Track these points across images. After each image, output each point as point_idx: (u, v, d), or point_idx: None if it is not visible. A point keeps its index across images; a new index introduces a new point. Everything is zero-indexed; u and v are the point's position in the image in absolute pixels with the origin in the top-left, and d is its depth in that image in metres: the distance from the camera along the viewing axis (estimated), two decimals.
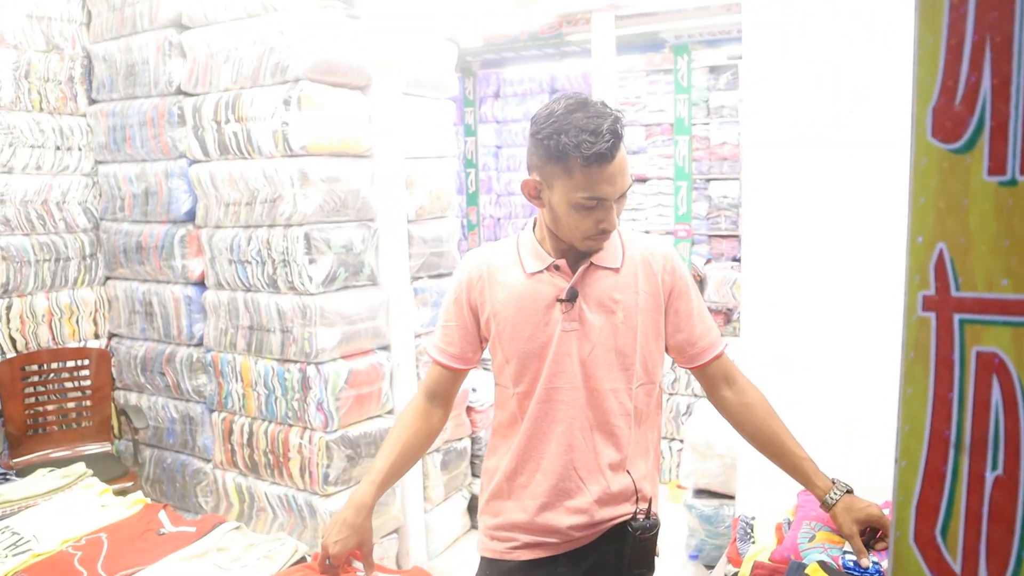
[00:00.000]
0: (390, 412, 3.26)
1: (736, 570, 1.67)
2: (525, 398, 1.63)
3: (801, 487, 1.72)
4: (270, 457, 3.10)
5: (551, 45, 6.51)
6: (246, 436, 3.16)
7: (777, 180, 2.35)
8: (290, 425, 3.06)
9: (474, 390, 3.81)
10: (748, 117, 2.35)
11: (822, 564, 1.46)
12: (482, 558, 1.71)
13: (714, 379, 1.69)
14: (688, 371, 1.77)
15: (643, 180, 7.57)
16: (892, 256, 2.23)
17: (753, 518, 1.82)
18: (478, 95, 7.79)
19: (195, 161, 3.19)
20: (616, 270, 1.60)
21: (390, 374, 3.22)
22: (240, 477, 3.23)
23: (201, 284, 3.29)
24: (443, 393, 1.74)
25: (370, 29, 3.08)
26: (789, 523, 1.68)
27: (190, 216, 3.25)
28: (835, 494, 1.57)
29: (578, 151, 1.44)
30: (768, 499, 2.40)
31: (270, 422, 3.12)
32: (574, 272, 1.59)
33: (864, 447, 2.32)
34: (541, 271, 1.60)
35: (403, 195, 3.27)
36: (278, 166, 2.89)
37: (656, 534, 1.65)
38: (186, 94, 3.19)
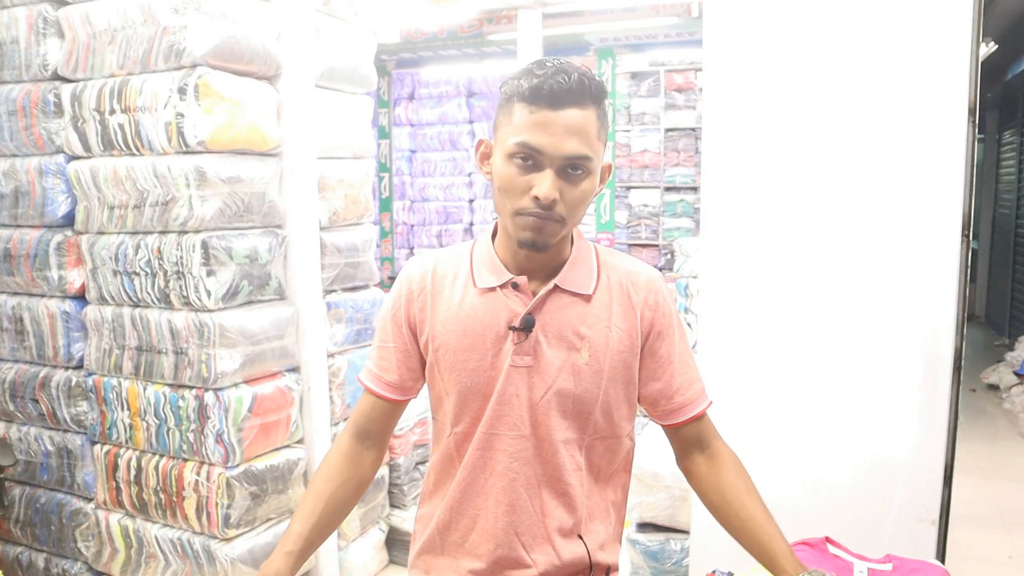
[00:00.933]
0: (299, 442, 2.91)
1: None
2: (464, 440, 1.35)
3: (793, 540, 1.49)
4: (161, 496, 2.72)
5: (471, 45, 6.25)
6: (133, 472, 2.76)
7: (743, 170, 2.19)
8: (185, 459, 2.68)
9: None
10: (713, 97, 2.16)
11: None
12: None
13: (686, 441, 1.41)
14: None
15: None
16: (869, 252, 2.11)
17: (730, 574, 1.58)
18: (392, 96, 7.46)
19: (74, 157, 2.77)
20: (587, 298, 1.33)
21: (300, 399, 2.87)
22: (127, 519, 2.82)
23: (81, 298, 2.87)
24: (377, 431, 1.44)
25: (281, 12, 2.74)
26: None
27: (68, 220, 2.83)
28: None
29: (519, 85, 1.20)
30: (726, 538, 2.19)
31: (162, 456, 2.73)
32: (536, 294, 1.31)
33: (835, 445, 2.16)
34: (495, 288, 1.32)
35: (315, 199, 2.94)
36: (171, 163, 2.52)
37: None
38: (64, 79, 2.77)
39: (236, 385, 2.65)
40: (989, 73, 8.08)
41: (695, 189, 6.96)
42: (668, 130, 7.02)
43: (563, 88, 1.18)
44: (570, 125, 1.19)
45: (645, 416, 4.58)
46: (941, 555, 2.14)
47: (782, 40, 2.13)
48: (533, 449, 1.32)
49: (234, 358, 2.61)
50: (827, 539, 1.50)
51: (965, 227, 2.05)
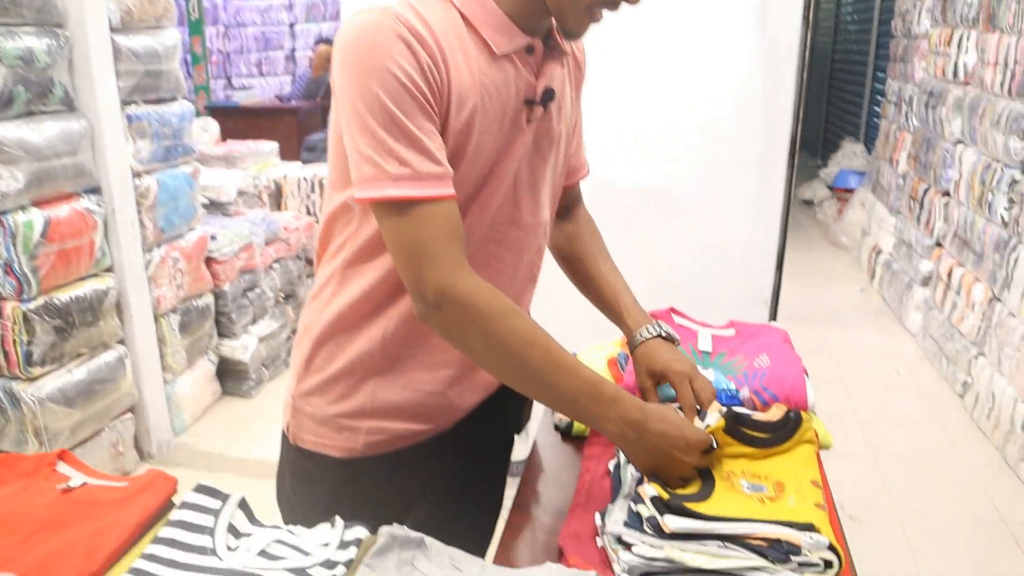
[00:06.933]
0: (108, 270, 2.64)
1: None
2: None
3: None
4: None
5: None
6: None
7: None
8: None
9: (213, 237, 3.23)
10: None
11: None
12: (319, 457, 1.16)
13: (566, 202, 1.32)
14: None
15: None
16: None
17: (574, 354, 1.54)
18: None
19: None
20: (566, 55, 1.12)
21: (103, 223, 2.58)
22: None
23: None
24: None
25: None
26: (626, 358, 1.41)
27: None
28: (646, 332, 1.23)
29: None
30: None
31: None
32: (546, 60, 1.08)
33: (684, 233, 2.19)
34: (509, 55, 1.03)
35: None
36: None
37: None
38: None
39: (24, 208, 2.34)
40: None
41: None
42: None
43: None
44: None
45: None
46: None
47: None
48: (528, 238, 1.15)
49: (16, 176, 2.28)
50: (671, 309, 1.47)
51: (806, 11, 2.02)
